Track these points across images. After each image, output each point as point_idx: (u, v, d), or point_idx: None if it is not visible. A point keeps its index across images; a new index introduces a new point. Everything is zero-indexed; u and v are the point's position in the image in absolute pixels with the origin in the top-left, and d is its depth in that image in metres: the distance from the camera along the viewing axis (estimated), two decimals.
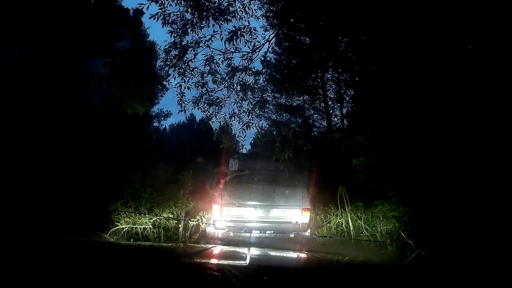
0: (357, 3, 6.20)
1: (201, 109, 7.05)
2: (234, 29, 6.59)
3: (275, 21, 8.84)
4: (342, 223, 6.11)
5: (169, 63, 6.82)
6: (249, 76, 7.04)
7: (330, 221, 6.38)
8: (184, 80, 6.88)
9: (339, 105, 12.86)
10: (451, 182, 4.43)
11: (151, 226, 5.18)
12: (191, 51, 6.82)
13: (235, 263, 1.81)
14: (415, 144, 5.01)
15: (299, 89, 11.86)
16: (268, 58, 10.20)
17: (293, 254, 3.16)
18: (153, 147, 8.81)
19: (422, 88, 5.08)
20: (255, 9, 7.30)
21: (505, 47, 4.29)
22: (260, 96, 7.26)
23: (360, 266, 2.19)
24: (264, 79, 8.29)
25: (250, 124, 6.96)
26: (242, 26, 6.77)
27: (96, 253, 1.90)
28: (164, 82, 6.53)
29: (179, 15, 6.70)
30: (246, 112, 7.04)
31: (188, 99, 7.05)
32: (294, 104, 12.31)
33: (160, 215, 5.35)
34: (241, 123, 7.00)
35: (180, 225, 5.32)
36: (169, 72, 6.78)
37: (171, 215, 5.43)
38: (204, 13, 6.64)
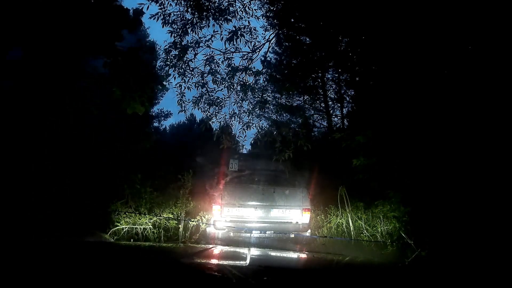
0: (357, 3, 6.20)
1: (201, 109, 7.05)
2: (234, 29, 6.58)
3: (275, 21, 8.84)
4: (343, 223, 6.11)
5: (169, 63, 6.80)
6: (249, 76, 7.04)
7: (330, 221, 6.37)
8: (184, 80, 6.87)
9: (339, 105, 12.90)
10: (452, 182, 4.42)
11: (151, 226, 5.17)
12: (191, 51, 6.81)
13: (235, 264, 1.81)
14: (415, 144, 5.01)
15: (299, 89, 11.89)
16: (268, 58, 10.24)
17: (293, 255, 3.16)
18: (153, 147, 8.80)
19: (422, 88, 5.07)
20: (255, 9, 7.30)
21: (506, 47, 4.29)
22: (260, 96, 7.26)
23: (361, 266, 2.18)
24: (264, 79, 8.32)
25: (250, 124, 6.96)
26: (242, 26, 6.76)
27: (96, 253, 1.90)
28: (164, 82, 6.52)
29: (179, 15, 6.70)
30: (246, 112, 7.04)
31: (188, 99, 7.04)
32: (294, 104, 12.35)
33: (160, 215, 5.34)
34: (241, 123, 7.00)
35: (180, 226, 5.31)
36: (169, 72, 6.76)
37: (171, 215, 5.42)
38: (204, 13, 6.63)
